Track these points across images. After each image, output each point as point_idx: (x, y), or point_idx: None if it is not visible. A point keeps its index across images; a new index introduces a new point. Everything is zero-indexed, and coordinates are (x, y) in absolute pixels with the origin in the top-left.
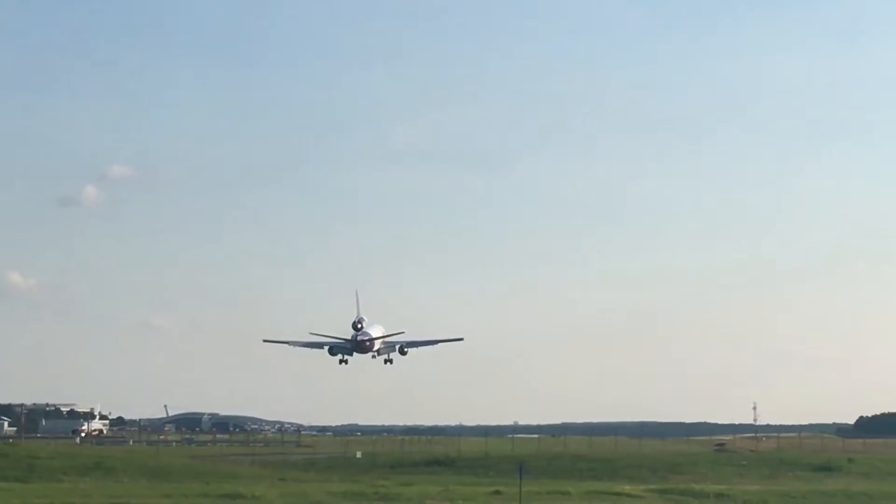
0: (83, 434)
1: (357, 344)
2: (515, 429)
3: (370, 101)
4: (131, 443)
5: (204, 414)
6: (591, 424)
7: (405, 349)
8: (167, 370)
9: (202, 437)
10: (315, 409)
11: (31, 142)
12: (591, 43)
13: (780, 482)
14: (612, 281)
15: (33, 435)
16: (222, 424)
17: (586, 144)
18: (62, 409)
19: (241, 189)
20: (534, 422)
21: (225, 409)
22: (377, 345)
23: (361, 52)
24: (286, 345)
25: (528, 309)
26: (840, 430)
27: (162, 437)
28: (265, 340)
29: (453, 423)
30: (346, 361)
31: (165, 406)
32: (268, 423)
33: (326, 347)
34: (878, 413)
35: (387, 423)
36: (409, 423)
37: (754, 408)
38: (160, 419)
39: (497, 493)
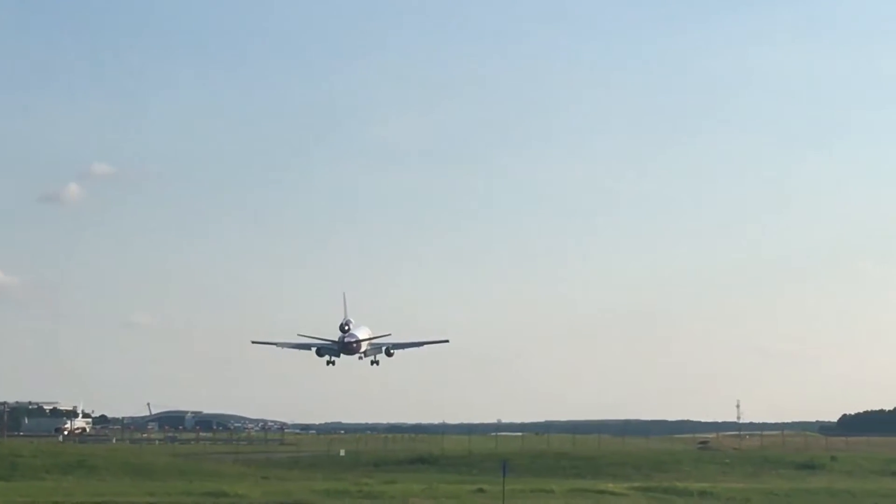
0: (66, 432)
1: (344, 345)
2: (499, 427)
3: (362, 100)
4: (114, 441)
5: (187, 412)
6: (574, 422)
7: (391, 351)
8: (150, 368)
9: (185, 436)
10: (298, 408)
11: (14, 140)
12: (587, 41)
13: (763, 480)
14: (597, 281)
15: (16, 433)
16: (205, 422)
17: (574, 143)
18: (45, 407)
19: (226, 188)
20: (517, 420)
21: (208, 408)
22: (364, 346)
23: (352, 49)
24: (274, 346)
25: (513, 308)
26: (823, 428)
27: (145, 435)
28: (253, 342)
29: (437, 420)
30: (333, 363)
31: (148, 404)
32: (251, 421)
33: (314, 349)
34: (861, 411)
35: (370, 421)
36: (393, 420)
37: (738, 406)
38: (143, 417)
39: (481, 490)
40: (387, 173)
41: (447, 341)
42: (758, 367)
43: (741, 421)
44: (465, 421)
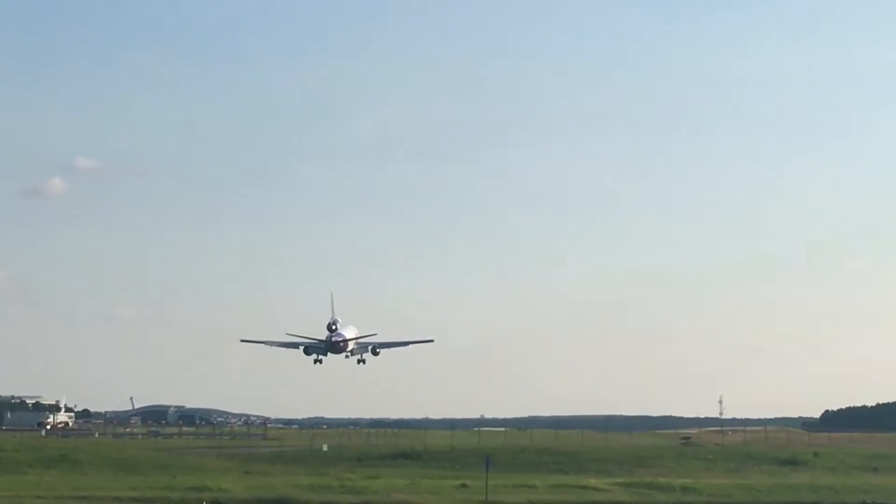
0: (49, 426)
1: (331, 345)
2: (482, 422)
3: (353, 98)
4: (97, 435)
5: (170, 407)
6: (557, 418)
7: (377, 350)
8: (133, 363)
9: (168, 430)
10: (281, 403)
11: None
12: (584, 40)
13: (745, 476)
14: (581, 278)
15: None
16: (188, 417)
17: (563, 140)
18: (28, 401)
19: (211, 183)
20: (500, 415)
21: (191, 402)
22: (351, 345)
23: (343, 46)
24: (263, 345)
25: (497, 305)
26: (806, 424)
27: (128, 429)
28: (242, 340)
29: (420, 416)
30: (320, 361)
31: (131, 398)
32: (234, 416)
33: (302, 347)
34: (844, 407)
35: (353, 416)
36: (376, 416)
37: (720, 402)
38: (126, 412)
39: (463, 486)
40: (375, 170)
41: (432, 341)
42: (740, 363)
43: (724, 417)
44: (448, 416)
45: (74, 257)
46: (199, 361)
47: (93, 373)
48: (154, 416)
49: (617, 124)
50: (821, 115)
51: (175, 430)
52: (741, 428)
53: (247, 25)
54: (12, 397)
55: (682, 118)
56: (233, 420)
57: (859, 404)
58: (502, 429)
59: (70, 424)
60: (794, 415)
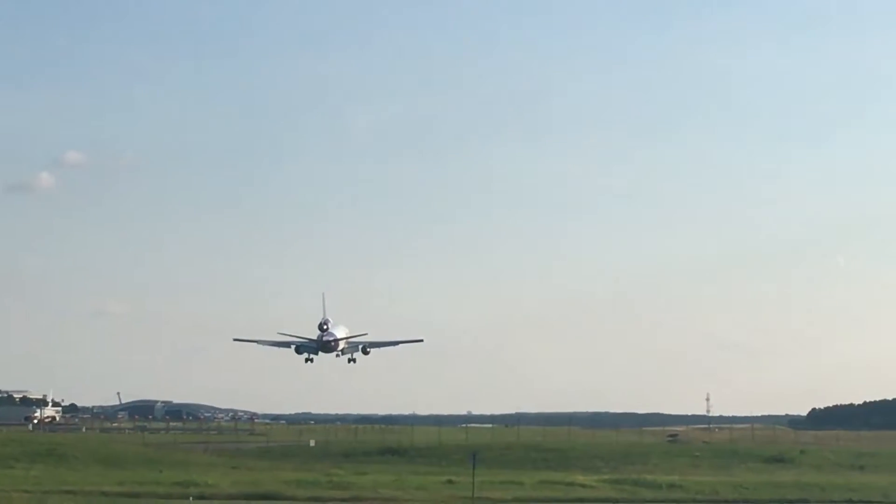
0: (36, 421)
1: (322, 344)
2: (469, 418)
3: (345, 95)
4: (84, 430)
5: (157, 402)
6: (544, 415)
7: (367, 349)
8: (120, 358)
9: (155, 425)
10: (269, 398)
11: None
12: (575, 37)
13: (732, 473)
14: (569, 274)
15: None
16: (175, 412)
17: (552, 137)
18: (14, 395)
19: (200, 178)
20: (487, 412)
21: (178, 397)
22: (341, 345)
23: (333, 41)
24: (255, 344)
25: (484, 300)
26: (792, 421)
27: (115, 424)
28: (235, 339)
29: (407, 412)
30: (311, 360)
31: (118, 393)
32: (221, 411)
33: (293, 347)
34: (831, 405)
35: (340, 412)
36: (363, 412)
37: (707, 399)
38: (113, 406)
39: (450, 482)
40: (368, 167)
41: (421, 341)
42: (728, 360)
43: (711, 414)
44: (436, 412)
45: (62, 252)
46: (186, 356)
47: (80, 367)
48: (141, 410)
49: (608, 121)
50: (808, 113)
51: (162, 425)
52: (728, 425)
53: (239, 19)
54: None
55: (670, 116)
56: (220, 415)
57: (846, 402)
58: (489, 425)
59: (57, 419)
60: (781, 412)
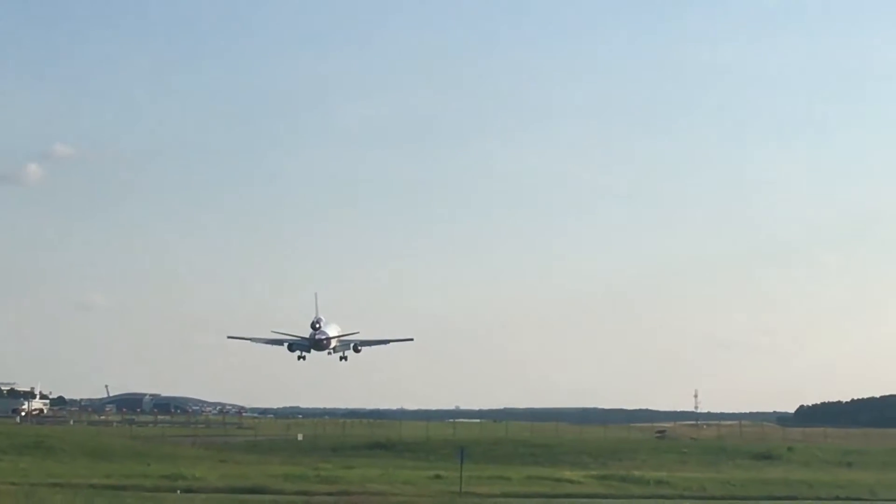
0: (23, 413)
1: (315, 342)
2: (457, 413)
3: (334, 91)
4: (72, 422)
5: (145, 395)
6: (532, 410)
7: (359, 347)
8: (109, 351)
9: (143, 418)
10: (257, 392)
11: None
12: (563, 34)
13: (720, 470)
14: (557, 271)
15: None
16: (163, 405)
17: (542, 133)
18: (2, 388)
19: (190, 172)
20: (476, 407)
21: (166, 391)
22: (333, 343)
23: (327, 37)
24: (249, 341)
25: (473, 296)
26: (780, 418)
27: (103, 417)
28: (229, 337)
29: (395, 406)
30: (304, 357)
31: (106, 386)
32: (209, 404)
33: (286, 344)
34: (818, 402)
35: (328, 407)
36: (351, 406)
37: (696, 396)
38: (101, 399)
39: (438, 477)
40: (358, 163)
41: (412, 339)
42: (716, 357)
43: (699, 411)
44: (424, 407)
45: (50, 244)
46: (174, 350)
47: (68, 360)
48: (129, 403)
49: (599, 117)
50: (796, 111)
51: (150, 418)
52: (716, 422)
53: (231, 15)
54: None
55: (669, 115)
56: (208, 409)
57: (834, 399)
58: (477, 420)
59: (45, 411)
60: (769, 409)
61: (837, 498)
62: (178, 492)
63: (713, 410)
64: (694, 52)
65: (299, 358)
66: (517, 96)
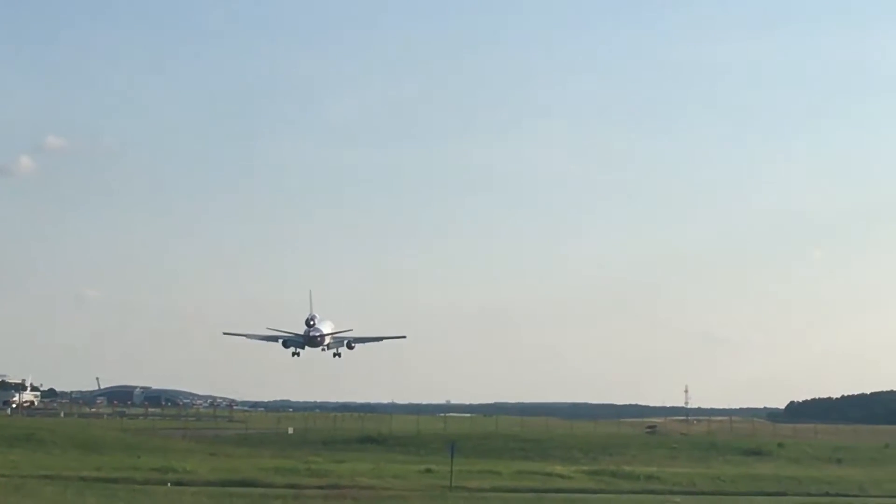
0: (14, 405)
1: (309, 339)
2: (447, 408)
3: (323, 85)
4: (63, 415)
5: (136, 387)
6: (523, 405)
7: (352, 344)
8: (100, 343)
9: (134, 411)
10: (248, 385)
11: None
12: (554, 28)
13: (710, 465)
14: (548, 267)
15: None
16: (154, 398)
17: (530, 129)
18: None
19: (182, 164)
20: (466, 401)
21: (157, 383)
22: (327, 340)
23: (312, 31)
24: (245, 338)
25: (462, 291)
26: (771, 414)
27: (94, 409)
28: (225, 333)
29: (386, 400)
30: (298, 354)
31: (97, 378)
32: (200, 397)
33: (281, 341)
34: (809, 398)
35: (319, 400)
36: (342, 400)
37: (686, 391)
38: (92, 392)
39: (428, 471)
40: (346, 156)
41: (404, 337)
42: (706, 353)
43: (689, 406)
44: (414, 401)
45: (42, 236)
46: (165, 343)
47: (59, 352)
48: (120, 396)
49: (589, 113)
50: (788, 106)
51: (141, 410)
52: (706, 418)
53: (221, 10)
54: None
55: (669, 114)
56: (199, 402)
57: (824, 396)
58: (468, 415)
59: (35, 403)
60: (760, 405)
61: (827, 494)
62: (169, 484)
63: (703, 406)
64: (694, 51)
65: (294, 354)
66: (513, 92)
